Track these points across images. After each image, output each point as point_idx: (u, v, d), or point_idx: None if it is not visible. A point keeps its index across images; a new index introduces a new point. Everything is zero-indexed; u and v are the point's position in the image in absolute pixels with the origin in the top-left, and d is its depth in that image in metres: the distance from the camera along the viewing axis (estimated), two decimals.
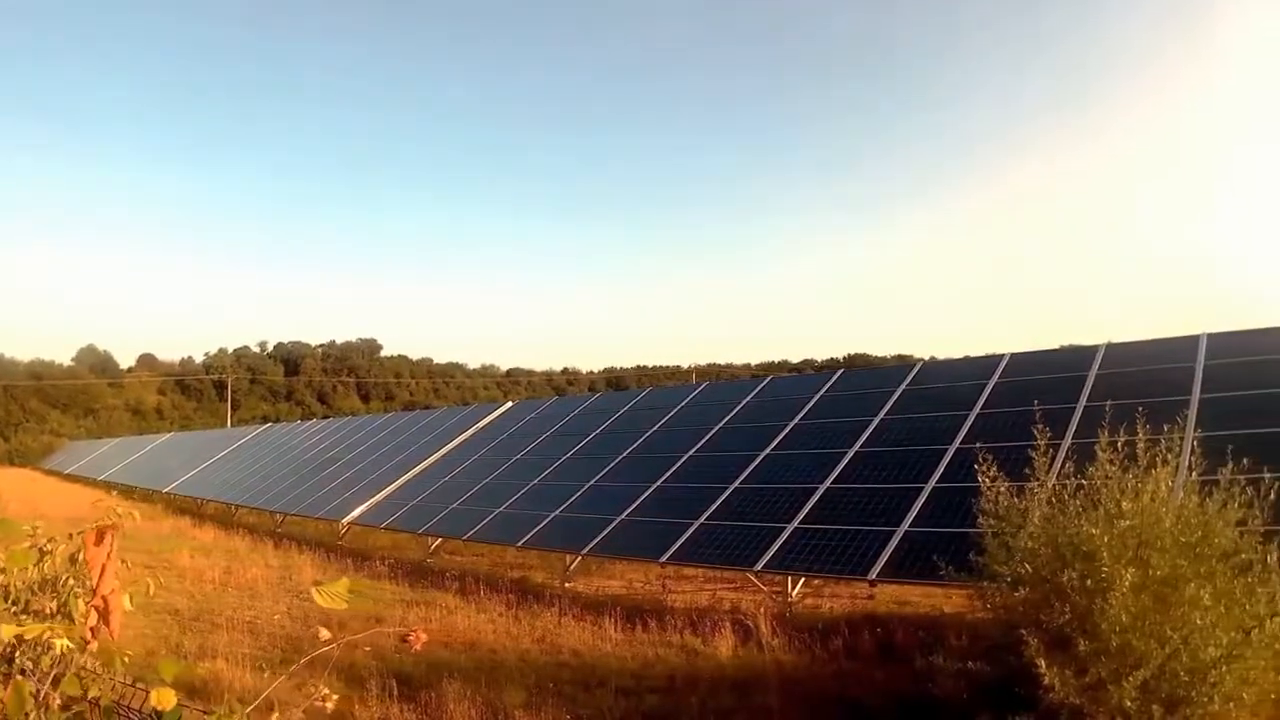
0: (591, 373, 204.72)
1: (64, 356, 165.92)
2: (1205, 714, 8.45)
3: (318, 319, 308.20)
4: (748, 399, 27.06)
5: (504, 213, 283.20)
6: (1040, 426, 11.02)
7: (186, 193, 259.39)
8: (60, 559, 3.93)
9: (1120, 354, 20.37)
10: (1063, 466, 14.07)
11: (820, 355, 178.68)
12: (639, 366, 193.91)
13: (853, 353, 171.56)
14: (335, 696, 3.47)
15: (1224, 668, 8.45)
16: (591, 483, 25.14)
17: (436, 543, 28.02)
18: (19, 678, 3.27)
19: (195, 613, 19.77)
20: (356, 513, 31.16)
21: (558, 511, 23.89)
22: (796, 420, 23.77)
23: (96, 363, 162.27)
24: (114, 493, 50.69)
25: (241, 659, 15.10)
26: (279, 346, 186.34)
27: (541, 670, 14.62)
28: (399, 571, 24.38)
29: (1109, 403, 13.26)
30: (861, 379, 26.85)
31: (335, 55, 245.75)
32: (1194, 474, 10.16)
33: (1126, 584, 8.63)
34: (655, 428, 27.78)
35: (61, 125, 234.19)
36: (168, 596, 21.35)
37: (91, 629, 3.31)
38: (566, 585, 22.40)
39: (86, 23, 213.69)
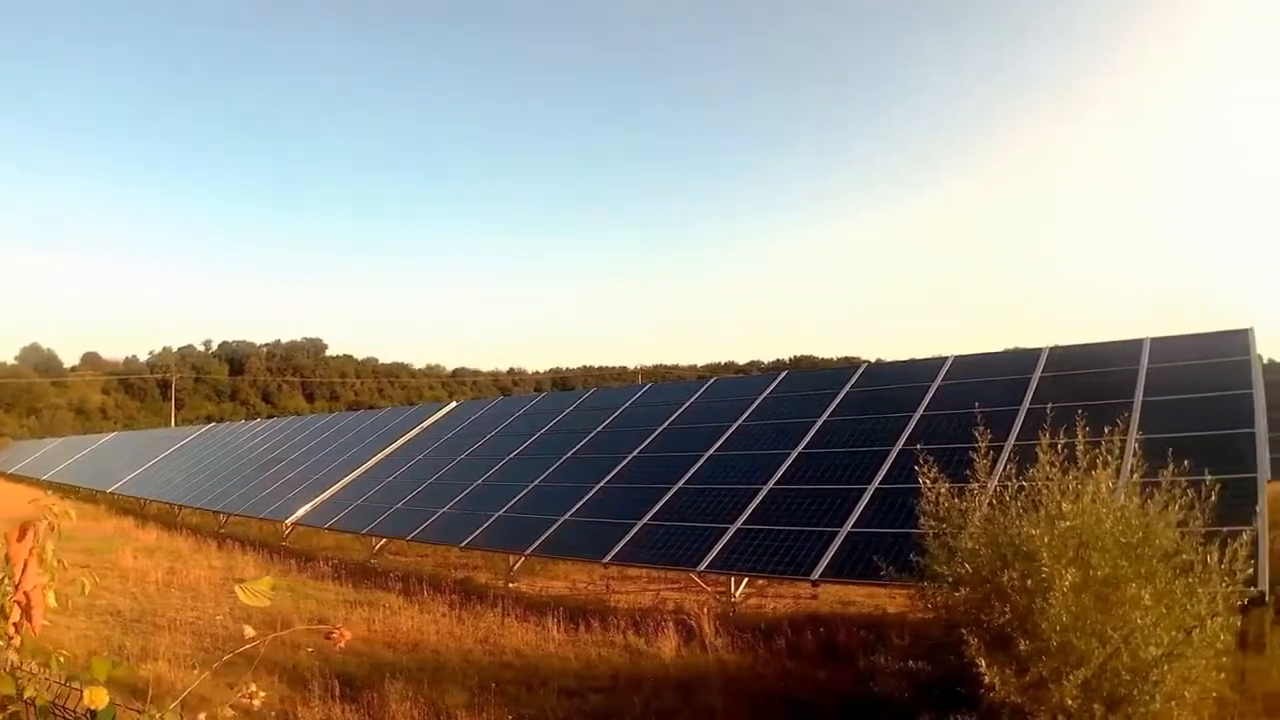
0: (538, 373, 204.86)
1: (7, 355, 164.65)
2: (1147, 712, 8.52)
3: (263, 318, 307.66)
4: (692, 400, 27.06)
5: (448, 214, 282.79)
6: (982, 429, 11.08)
7: (131, 190, 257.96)
8: None
9: (1064, 357, 20.53)
10: (1005, 468, 14.22)
11: (767, 357, 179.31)
12: (585, 367, 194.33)
13: (799, 354, 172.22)
14: (262, 694, 3.46)
15: (1165, 667, 8.54)
16: (535, 483, 25.03)
17: (381, 543, 27.80)
18: None
19: (138, 614, 19.53)
20: (300, 513, 30.82)
21: (501, 512, 23.77)
22: (740, 421, 23.80)
23: (40, 361, 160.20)
24: (49, 492, 50.04)
25: (184, 660, 15.01)
26: (224, 346, 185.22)
27: (485, 671, 14.53)
28: (343, 572, 24.18)
29: (1053, 405, 13.36)
30: (806, 380, 26.94)
31: (290, 55, 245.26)
32: (1135, 475, 10.22)
33: (1067, 584, 8.68)
34: (600, 428, 27.70)
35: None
36: (110, 598, 21.08)
37: (14, 624, 3.29)
38: (510, 585, 22.34)
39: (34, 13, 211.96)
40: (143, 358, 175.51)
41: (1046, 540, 8.96)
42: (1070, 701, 8.42)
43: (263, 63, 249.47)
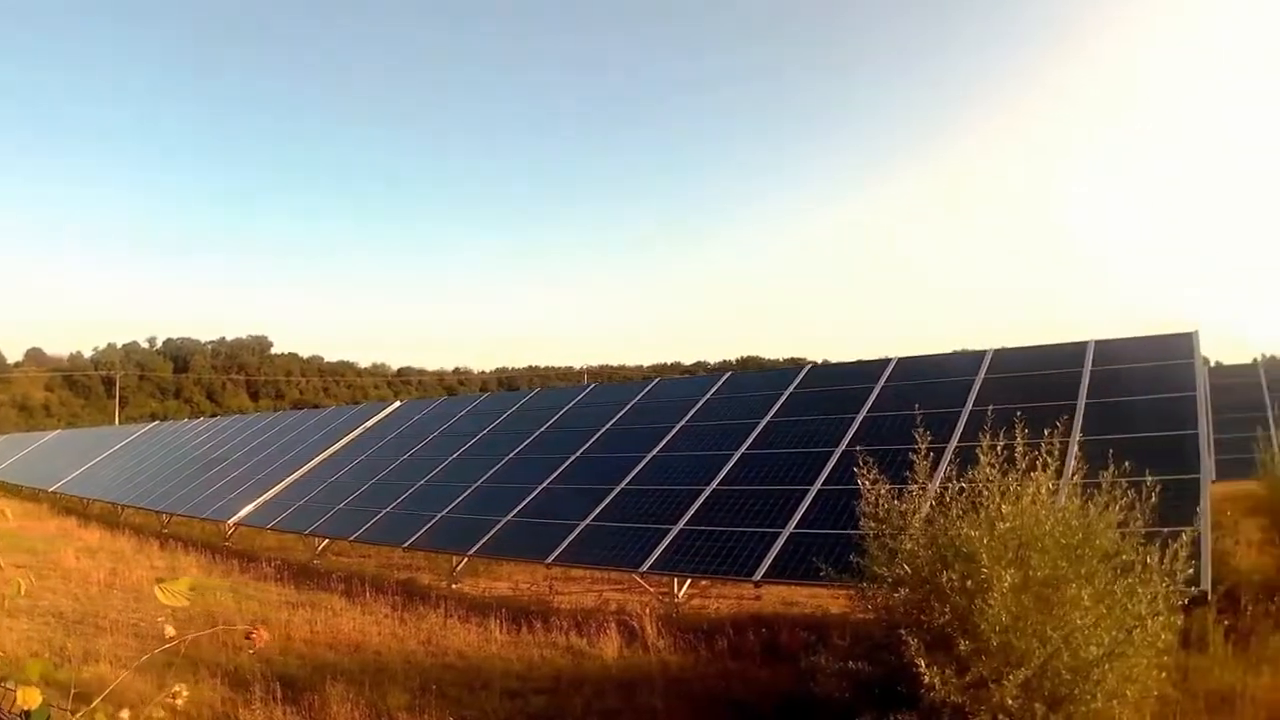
0: (483, 373, 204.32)
1: None
2: (1089, 711, 8.59)
3: (209, 314, 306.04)
4: (636, 400, 26.99)
5: (396, 212, 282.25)
6: (921, 430, 11.12)
7: (74, 185, 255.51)
8: None
9: (1008, 359, 20.63)
10: (947, 469, 14.29)
11: (714, 357, 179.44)
12: (531, 367, 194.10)
13: (746, 355, 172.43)
14: (186, 693, 3.48)
15: (1106, 666, 8.60)
16: (479, 483, 24.90)
17: (323, 544, 27.60)
18: None
19: (80, 615, 19.24)
20: (243, 513, 30.49)
21: (444, 512, 23.67)
22: (684, 422, 23.77)
23: None
24: None
25: (127, 662, 14.93)
26: (168, 343, 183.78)
27: (426, 672, 14.41)
28: (285, 573, 23.90)
29: (996, 407, 13.40)
30: (750, 381, 26.99)
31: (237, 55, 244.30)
32: (1076, 477, 10.30)
33: (1006, 585, 8.70)
34: (543, 428, 27.57)
35: None
36: (53, 599, 20.76)
37: None
38: (453, 586, 22.25)
39: None
40: (87, 354, 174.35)
41: (986, 542, 8.99)
42: (1011, 701, 8.46)
43: (209, 61, 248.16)
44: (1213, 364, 48.29)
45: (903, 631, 9.09)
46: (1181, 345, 18.45)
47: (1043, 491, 9.59)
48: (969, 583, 8.93)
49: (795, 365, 28.88)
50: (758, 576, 15.92)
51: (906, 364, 22.35)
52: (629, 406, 26.59)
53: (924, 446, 10.76)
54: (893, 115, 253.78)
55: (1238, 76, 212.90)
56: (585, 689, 13.56)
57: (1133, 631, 8.82)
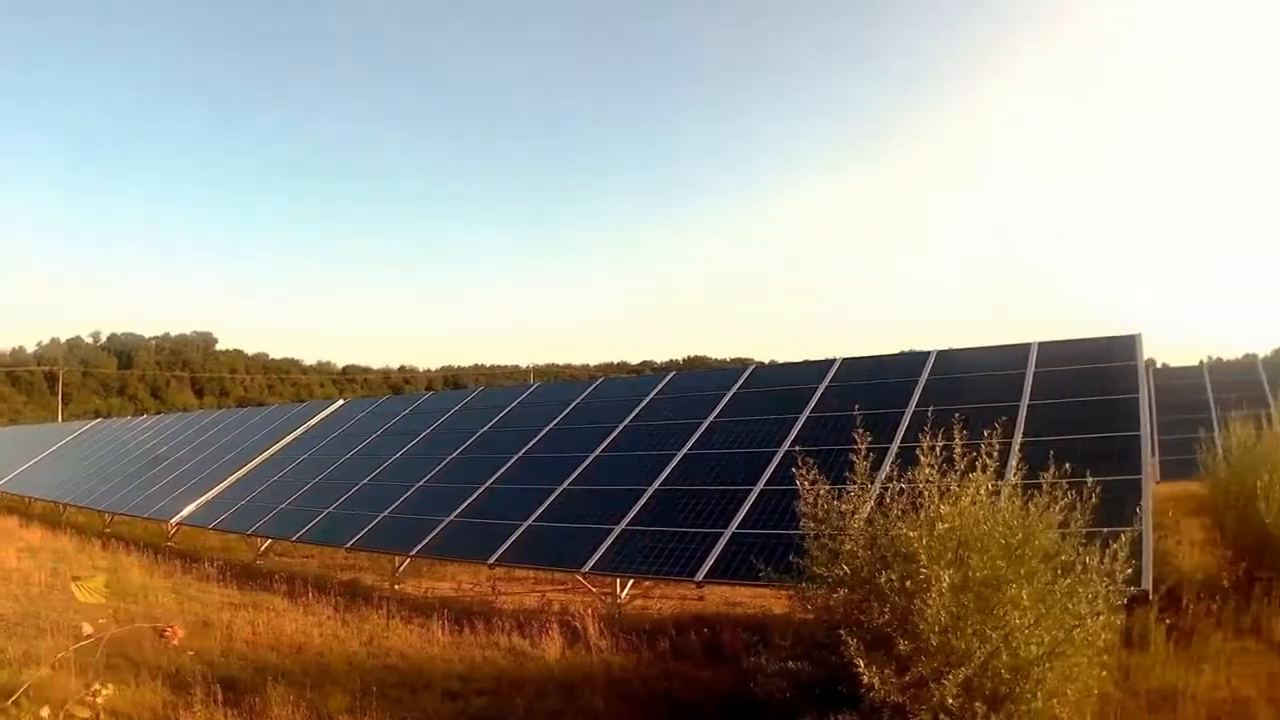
0: (429, 371, 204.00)
1: None
2: (1029, 710, 8.63)
3: (153, 309, 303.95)
4: (580, 399, 26.93)
5: (342, 210, 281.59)
6: (861, 431, 11.14)
7: (17, 176, 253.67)
8: None
9: (952, 360, 20.77)
10: (890, 470, 14.34)
11: (660, 357, 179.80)
12: (477, 366, 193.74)
13: (693, 355, 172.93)
14: (105, 691, 3.48)
15: (1047, 665, 8.65)
16: (422, 483, 24.76)
17: (266, 544, 27.25)
18: None
19: (20, 616, 18.87)
20: (185, 512, 30.03)
21: (387, 512, 23.46)
22: (628, 421, 23.77)
23: None
24: None
25: (67, 664, 14.86)
26: (113, 338, 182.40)
27: (368, 673, 14.31)
28: (228, 573, 23.62)
29: (939, 407, 13.49)
30: (695, 380, 26.97)
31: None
32: (1018, 477, 10.38)
33: (945, 585, 8.75)
34: (487, 427, 27.45)
35: None
36: None
37: None
38: (396, 587, 22.07)
39: None
40: (30, 349, 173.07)
41: (925, 542, 9.01)
42: (951, 700, 8.48)
43: (151, 54, 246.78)
44: (1159, 366, 48.80)
45: (842, 632, 9.09)
46: (1125, 347, 18.66)
47: (982, 492, 9.63)
48: (908, 583, 8.95)
49: (741, 365, 28.78)
50: (700, 577, 15.90)
51: (851, 364, 22.45)
52: (573, 406, 26.54)
53: (864, 447, 10.78)
54: (843, 115, 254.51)
55: (1188, 79, 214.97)
56: (527, 689, 13.50)
57: (1073, 631, 8.88)
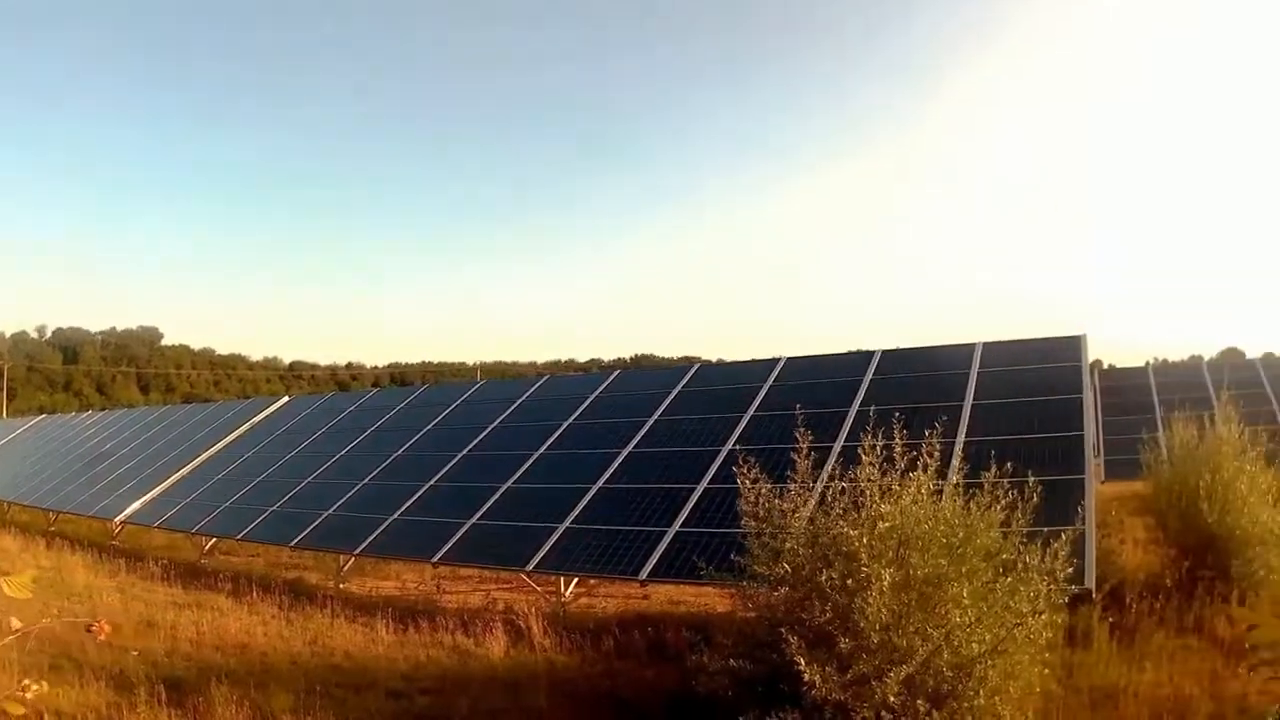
0: (376, 368, 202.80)
1: None
2: (972, 708, 8.66)
3: (98, 303, 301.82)
4: (525, 397, 26.80)
5: (291, 208, 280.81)
6: (803, 430, 11.14)
7: None
8: None
9: (897, 359, 20.86)
10: (833, 469, 14.36)
11: (608, 355, 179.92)
12: (424, 363, 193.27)
13: (640, 353, 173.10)
14: (35, 687, 3.44)
15: (989, 663, 8.71)
16: (366, 481, 24.53)
17: (211, 543, 26.84)
18: None
19: None
20: (130, 510, 29.61)
21: (332, 510, 23.28)
22: (572, 419, 23.69)
23: None
24: None
25: (9, 665, 14.74)
26: (58, 333, 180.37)
27: (312, 673, 14.20)
28: (173, 572, 23.25)
29: (882, 407, 13.48)
30: (640, 379, 27.11)
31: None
32: (960, 476, 10.37)
33: (886, 583, 8.77)
34: (431, 425, 27.31)
35: None
36: None
37: None
38: (341, 586, 21.82)
39: None
40: None
41: (866, 540, 9.02)
42: (893, 698, 8.49)
43: (105, 43, 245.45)
44: (1106, 367, 49.14)
45: (784, 630, 9.09)
46: (1069, 348, 18.82)
47: (923, 491, 9.65)
48: (849, 581, 8.96)
49: (688, 363, 28.79)
50: (643, 576, 15.93)
51: (795, 363, 22.50)
52: (518, 404, 26.41)
53: (805, 446, 10.78)
54: (790, 123, 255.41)
55: (1135, 84, 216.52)
56: (471, 689, 13.44)
57: (1015, 629, 8.91)
